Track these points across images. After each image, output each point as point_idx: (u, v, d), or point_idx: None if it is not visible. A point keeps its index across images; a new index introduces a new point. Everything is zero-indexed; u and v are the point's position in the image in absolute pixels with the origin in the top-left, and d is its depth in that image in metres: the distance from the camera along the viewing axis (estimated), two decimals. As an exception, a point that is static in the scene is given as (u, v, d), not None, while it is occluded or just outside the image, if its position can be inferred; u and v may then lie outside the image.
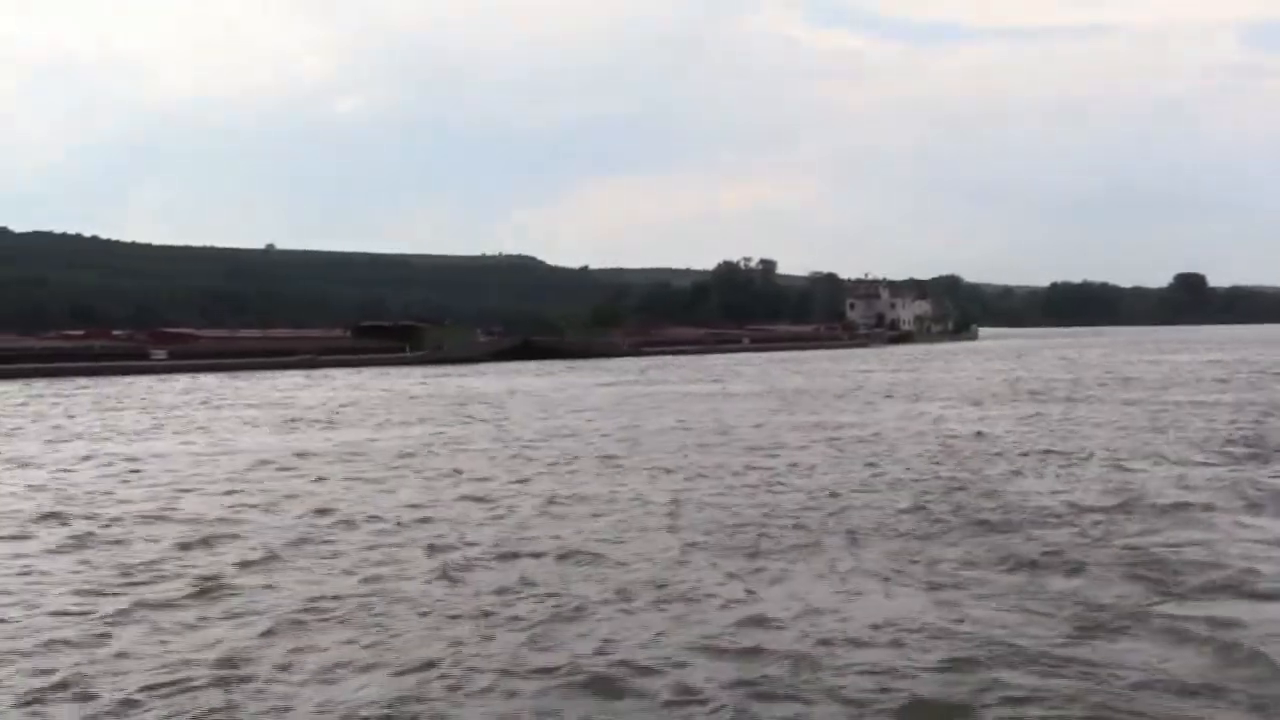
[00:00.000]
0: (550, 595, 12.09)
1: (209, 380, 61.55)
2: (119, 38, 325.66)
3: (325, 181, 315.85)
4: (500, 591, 12.28)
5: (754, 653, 10.01)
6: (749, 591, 12.21)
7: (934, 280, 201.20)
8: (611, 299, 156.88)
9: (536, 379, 62.80)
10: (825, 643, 10.30)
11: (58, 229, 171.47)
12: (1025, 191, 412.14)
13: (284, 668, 9.78)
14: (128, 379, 62.38)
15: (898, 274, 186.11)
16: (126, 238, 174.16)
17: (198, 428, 33.74)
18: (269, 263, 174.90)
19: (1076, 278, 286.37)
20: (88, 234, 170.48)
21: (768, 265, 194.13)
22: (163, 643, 10.57)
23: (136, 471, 23.30)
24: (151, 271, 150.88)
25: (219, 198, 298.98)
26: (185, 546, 14.99)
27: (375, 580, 12.88)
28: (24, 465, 24.99)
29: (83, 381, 59.73)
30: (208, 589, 12.58)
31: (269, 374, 67.12)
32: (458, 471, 22.65)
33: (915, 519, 16.46)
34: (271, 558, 14.25)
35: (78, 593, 12.50)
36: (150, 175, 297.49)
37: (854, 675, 9.45)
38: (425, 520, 16.90)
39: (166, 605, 11.89)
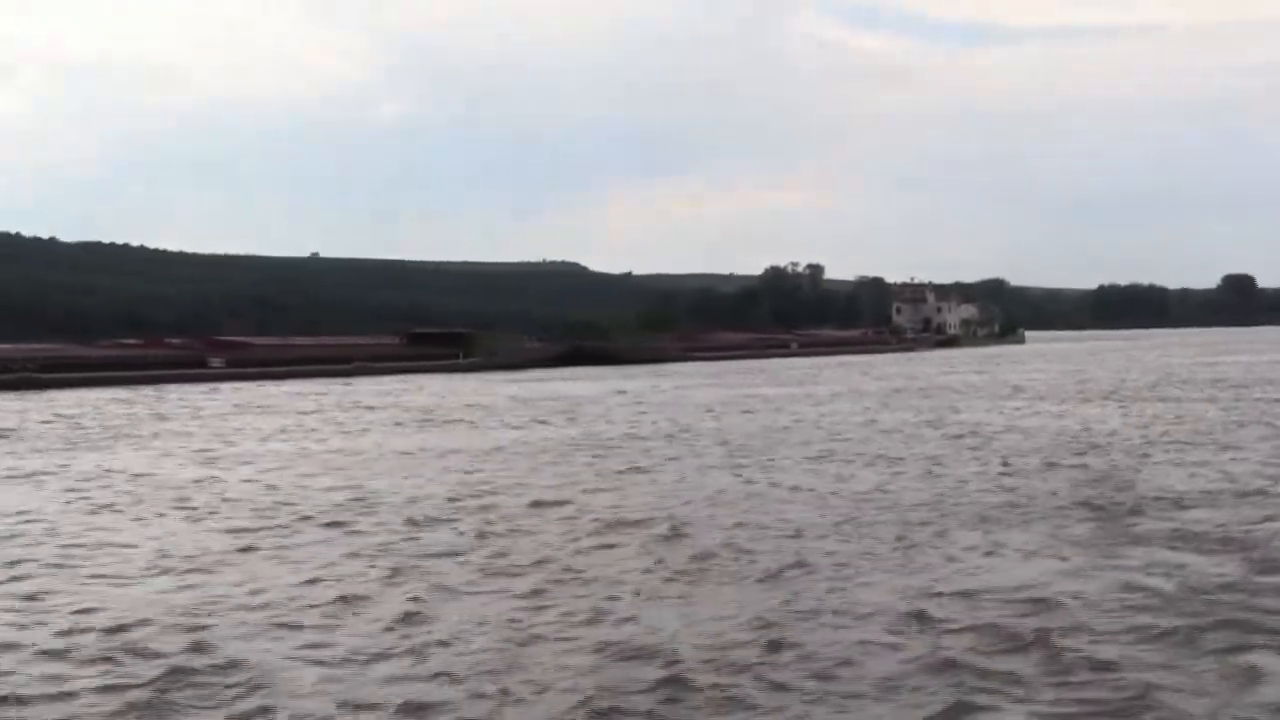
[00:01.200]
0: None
1: (272, 387, 61.40)
2: (160, 47, 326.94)
3: (367, 189, 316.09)
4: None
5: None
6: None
7: (979, 284, 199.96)
8: (658, 304, 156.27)
9: (625, 382, 63.14)
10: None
11: (104, 238, 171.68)
12: (1071, 192, 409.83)
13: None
14: (189, 386, 62.01)
15: (943, 277, 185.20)
16: (172, 246, 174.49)
17: (360, 428, 35.46)
18: (312, 270, 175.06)
19: (1124, 279, 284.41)
20: (134, 243, 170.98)
21: (815, 270, 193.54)
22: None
23: (406, 462, 25.41)
24: (197, 279, 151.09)
25: (262, 206, 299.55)
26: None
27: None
28: (244, 462, 26.20)
29: (147, 390, 59.37)
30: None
31: (328, 381, 66.72)
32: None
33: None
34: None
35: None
36: (193, 184, 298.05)
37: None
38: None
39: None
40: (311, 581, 13.32)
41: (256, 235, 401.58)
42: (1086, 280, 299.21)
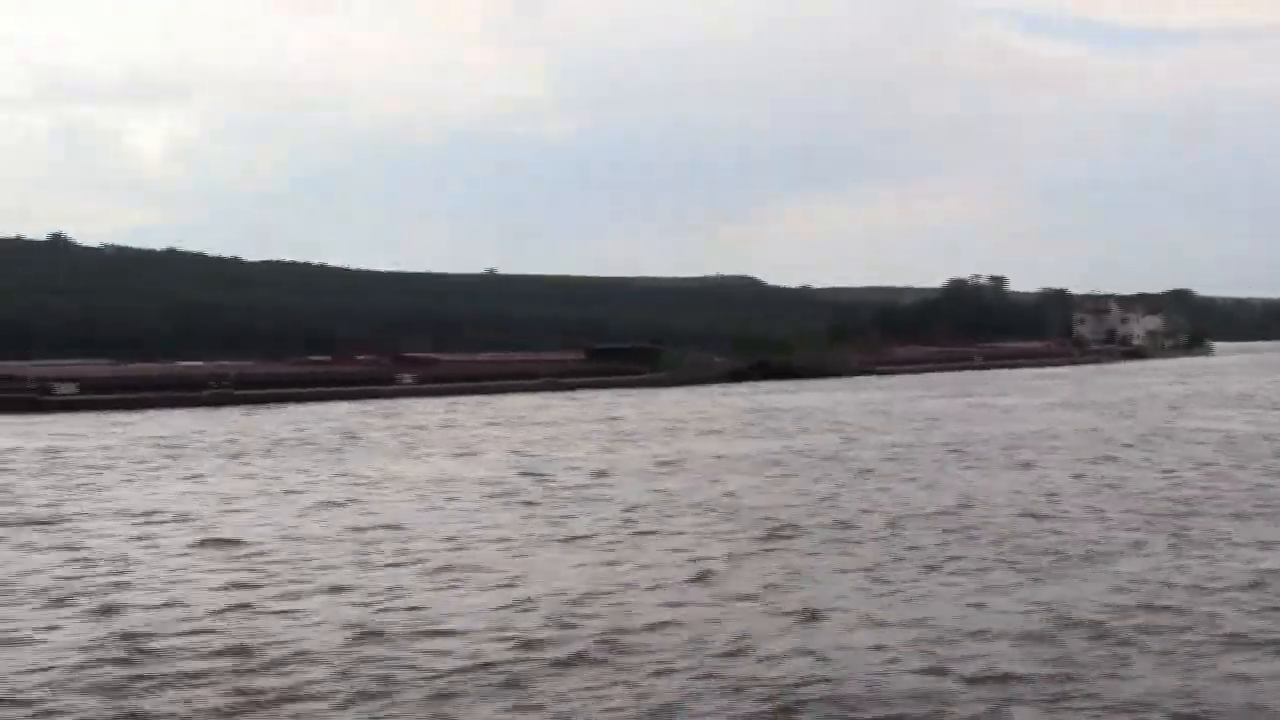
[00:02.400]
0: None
1: (474, 401, 62.74)
2: (335, 67, 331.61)
3: (541, 205, 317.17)
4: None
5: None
6: None
7: (1165, 294, 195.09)
8: (835, 317, 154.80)
9: (839, 395, 64.32)
10: None
11: (287, 257, 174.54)
12: (1257, 198, 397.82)
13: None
14: (383, 402, 62.51)
15: (1127, 288, 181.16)
16: (352, 265, 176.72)
17: (645, 437, 38.66)
18: (489, 287, 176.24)
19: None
20: (314, 261, 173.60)
21: (997, 281, 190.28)
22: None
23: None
24: (376, 297, 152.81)
25: (439, 224, 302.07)
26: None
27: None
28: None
29: (345, 405, 59.85)
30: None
31: (517, 397, 66.96)
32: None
33: None
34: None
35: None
36: (370, 203, 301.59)
37: None
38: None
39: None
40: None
41: (434, 252, 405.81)
42: (1277, 289, 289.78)
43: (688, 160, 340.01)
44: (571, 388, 74.59)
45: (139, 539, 19.46)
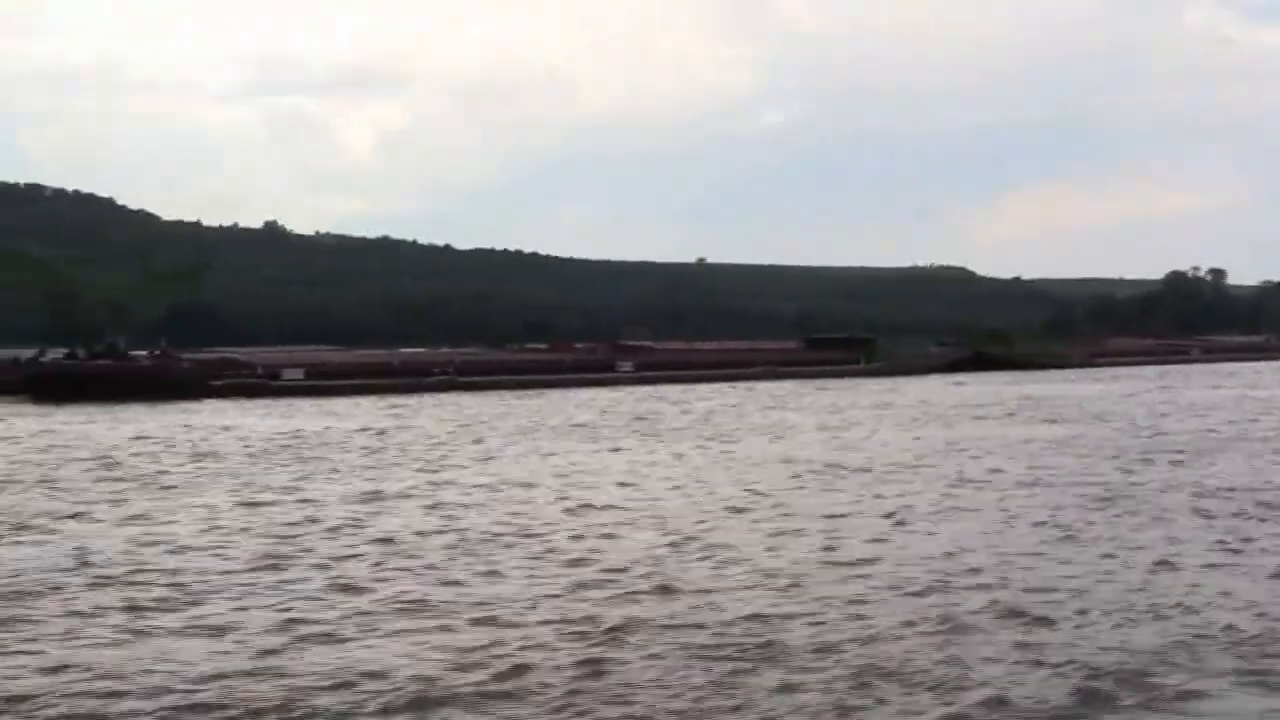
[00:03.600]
0: None
1: (719, 388, 63.81)
2: (546, 61, 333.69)
3: (753, 195, 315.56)
4: None
5: None
6: None
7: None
8: (1048, 309, 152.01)
9: (1080, 386, 63.25)
10: None
11: (498, 245, 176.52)
12: None
13: None
14: (603, 390, 62.71)
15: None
16: (563, 253, 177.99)
17: (925, 421, 39.81)
18: (701, 276, 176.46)
19: None
20: (526, 250, 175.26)
21: (1217, 274, 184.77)
22: None
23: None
24: (588, 286, 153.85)
25: (650, 214, 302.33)
26: None
27: None
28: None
29: (587, 392, 60.54)
30: None
31: (733, 385, 66.70)
32: None
33: None
34: None
35: None
36: (582, 192, 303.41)
37: None
38: None
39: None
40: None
41: (645, 242, 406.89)
42: None
43: (898, 151, 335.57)
44: (786, 376, 74.01)
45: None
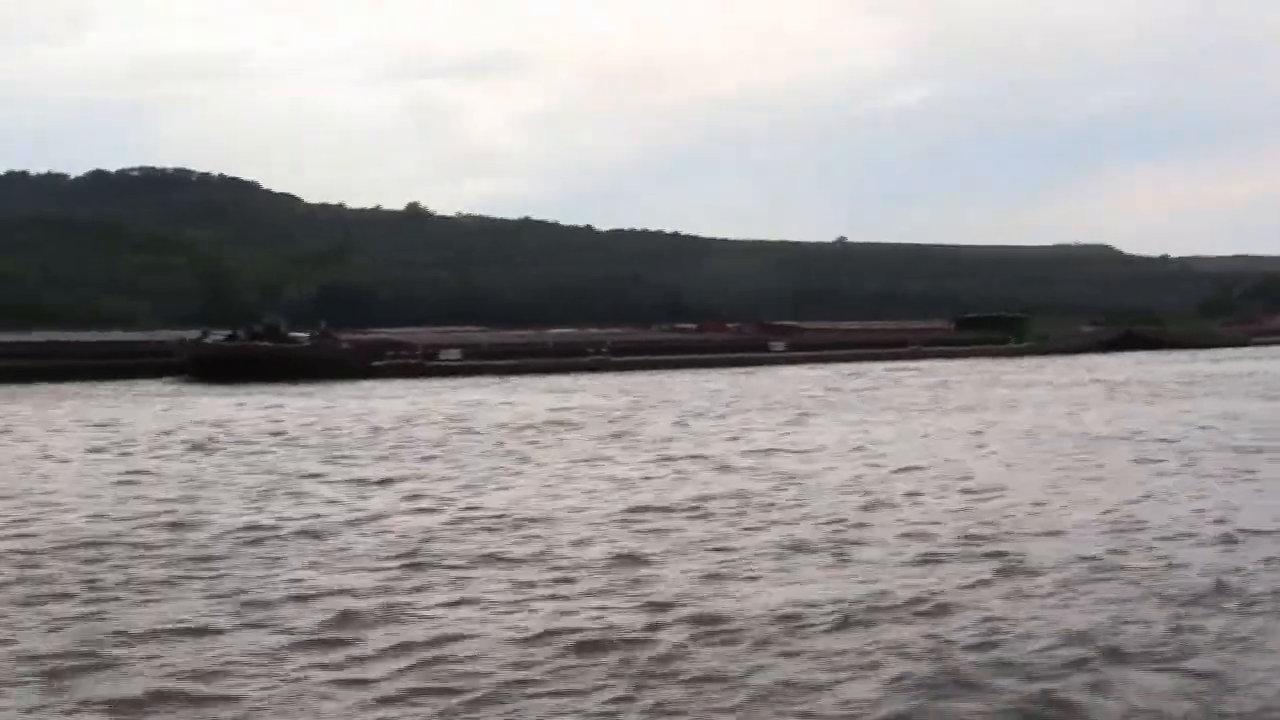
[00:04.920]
0: None
1: (876, 367, 63.73)
2: (683, 37, 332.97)
3: (892, 173, 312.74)
4: None
5: None
6: None
7: None
8: (1209, 288, 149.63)
9: (1244, 364, 62.86)
10: None
11: (638, 226, 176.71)
12: None
13: None
14: (756, 369, 62.57)
15: None
16: (705, 234, 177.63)
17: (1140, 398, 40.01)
18: (840, 256, 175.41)
19: None
20: (668, 230, 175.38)
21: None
22: None
23: None
24: (729, 266, 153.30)
25: (790, 193, 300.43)
26: None
27: None
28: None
29: (734, 371, 60.63)
30: None
31: (883, 364, 66.32)
32: None
33: None
34: None
35: None
36: (720, 172, 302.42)
37: None
38: None
39: None
40: None
41: (784, 222, 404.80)
42: None
43: (1042, 126, 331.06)
44: (936, 356, 73.45)
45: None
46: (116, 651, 9.86)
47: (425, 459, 23.79)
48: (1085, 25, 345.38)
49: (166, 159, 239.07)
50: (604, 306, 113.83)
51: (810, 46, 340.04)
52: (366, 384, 51.91)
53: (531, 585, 12.18)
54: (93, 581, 12.43)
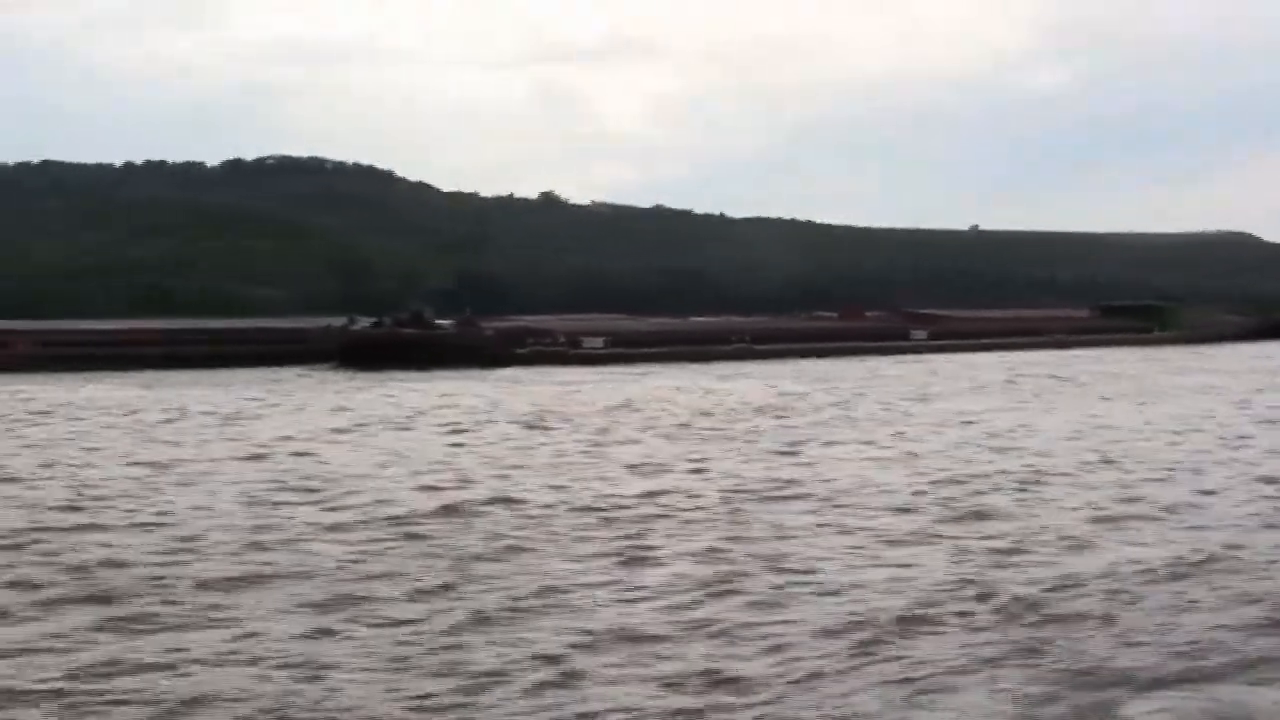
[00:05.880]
0: None
1: (1022, 357, 63.25)
2: (812, 20, 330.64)
3: (1025, 160, 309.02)
4: None
5: None
6: None
7: None
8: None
9: None
10: None
11: (769, 213, 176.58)
12: None
13: None
14: (902, 358, 62.21)
15: None
16: (835, 221, 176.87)
17: None
18: (973, 243, 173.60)
19: None
20: (800, 218, 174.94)
21: None
22: None
23: None
24: (860, 253, 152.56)
25: (921, 179, 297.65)
26: None
27: None
28: None
29: (878, 359, 60.59)
30: None
31: (1022, 353, 65.89)
32: None
33: None
34: None
35: None
36: (850, 156, 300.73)
37: None
38: None
39: None
40: None
41: (916, 209, 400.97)
42: None
43: (1178, 112, 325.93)
44: (1078, 344, 72.71)
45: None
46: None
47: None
48: (1228, 5, 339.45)
49: (300, 148, 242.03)
50: (737, 294, 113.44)
51: (945, 30, 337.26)
52: (516, 371, 52.35)
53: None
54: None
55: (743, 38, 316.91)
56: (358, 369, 53.00)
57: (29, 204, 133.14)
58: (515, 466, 20.80)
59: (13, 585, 11.94)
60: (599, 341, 62.80)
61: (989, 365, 54.37)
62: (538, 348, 59.89)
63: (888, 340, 69.51)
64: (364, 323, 61.35)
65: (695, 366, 55.03)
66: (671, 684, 9.06)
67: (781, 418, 29.64)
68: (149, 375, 47.50)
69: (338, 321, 61.88)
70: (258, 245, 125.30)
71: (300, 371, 52.04)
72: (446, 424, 28.58)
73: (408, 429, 27.76)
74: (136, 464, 21.34)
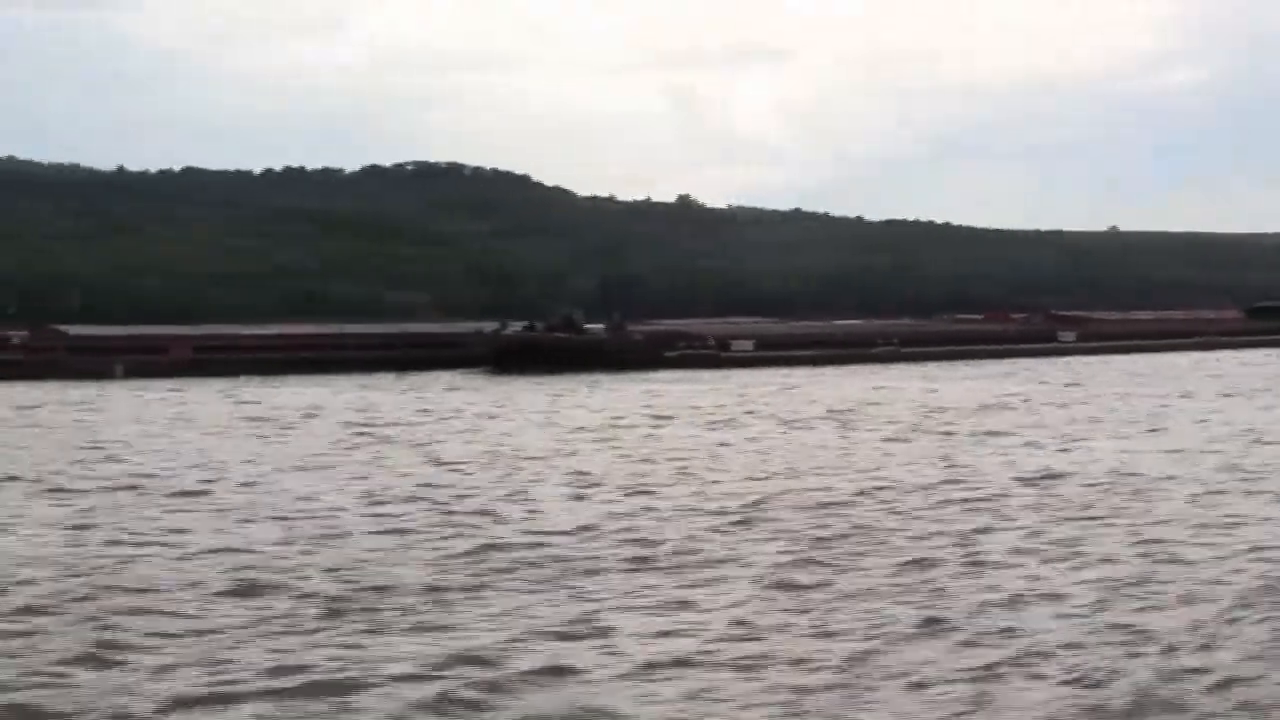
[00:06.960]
0: None
1: (1186, 357, 64.31)
2: (943, 20, 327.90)
3: (1165, 160, 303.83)
4: None
5: None
6: None
7: None
8: None
9: None
10: None
11: (909, 215, 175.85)
12: None
13: None
14: (1054, 360, 62.07)
15: None
16: (976, 223, 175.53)
17: None
18: (1110, 245, 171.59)
19: None
20: (939, 220, 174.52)
21: None
22: None
23: None
24: (998, 255, 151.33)
25: (1064, 181, 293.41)
26: None
27: None
28: None
29: (1031, 361, 60.78)
30: None
31: (1186, 355, 65.48)
32: None
33: None
34: None
35: None
36: (986, 158, 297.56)
37: None
38: None
39: None
40: None
41: (1054, 210, 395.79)
42: None
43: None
44: (1228, 346, 71.92)
45: None
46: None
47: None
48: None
49: (437, 154, 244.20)
50: (879, 297, 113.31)
51: (1078, 28, 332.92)
52: (668, 374, 52.98)
53: None
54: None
55: (876, 40, 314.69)
56: (510, 373, 53.83)
57: (172, 211, 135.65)
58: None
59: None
60: (749, 344, 63.10)
61: (1173, 366, 54.63)
62: (687, 351, 60.33)
63: (1035, 343, 69.17)
64: (515, 327, 62.17)
65: (848, 369, 55.32)
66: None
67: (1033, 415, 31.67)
68: (324, 379, 48.68)
69: (488, 326, 62.76)
70: (399, 251, 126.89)
71: (462, 374, 53.18)
72: (779, 421, 31.06)
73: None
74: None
